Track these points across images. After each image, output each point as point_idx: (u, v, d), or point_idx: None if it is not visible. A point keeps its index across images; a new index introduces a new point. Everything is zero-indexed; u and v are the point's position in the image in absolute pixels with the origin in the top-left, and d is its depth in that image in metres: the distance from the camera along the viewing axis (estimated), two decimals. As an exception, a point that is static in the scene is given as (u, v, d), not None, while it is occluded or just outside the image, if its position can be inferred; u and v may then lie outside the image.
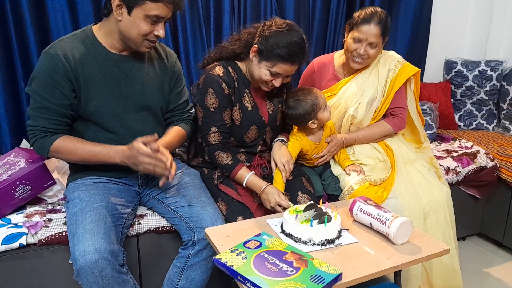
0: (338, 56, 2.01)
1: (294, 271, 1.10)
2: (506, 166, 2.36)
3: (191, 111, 1.79)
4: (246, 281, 1.08)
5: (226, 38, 2.08)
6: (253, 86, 1.73)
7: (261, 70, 1.60)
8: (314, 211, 1.33)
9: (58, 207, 1.68)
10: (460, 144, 2.58)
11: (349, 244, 1.30)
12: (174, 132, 1.64)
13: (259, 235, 1.29)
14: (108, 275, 1.30)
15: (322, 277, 1.07)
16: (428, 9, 2.94)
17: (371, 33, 1.76)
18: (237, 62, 1.71)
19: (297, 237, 1.30)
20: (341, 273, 1.11)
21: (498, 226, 2.43)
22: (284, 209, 1.53)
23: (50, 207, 1.68)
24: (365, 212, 1.39)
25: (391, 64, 1.90)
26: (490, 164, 2.37)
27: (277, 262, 1.14)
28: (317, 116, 1.74)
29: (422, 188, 1.84)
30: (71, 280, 1.35)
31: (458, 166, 2.30)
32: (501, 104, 2.97)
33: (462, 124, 3.02)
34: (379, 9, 1.80)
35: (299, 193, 1.71)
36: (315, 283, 1.05)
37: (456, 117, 3.02)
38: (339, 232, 1.34)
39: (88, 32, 1.51)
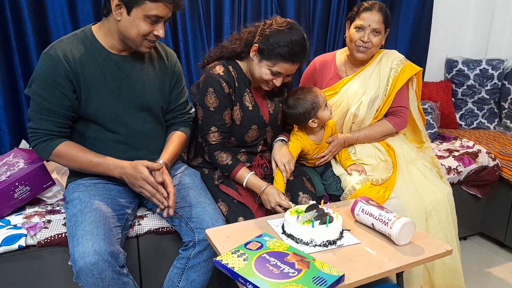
0: (340, 54, 2.01)
1: (296, 272, 1.09)
2: (508, 166, 2.35)
3: (190, 112, 1.78)
4: (248, 283, 1.06)
5: (227, 37, 2.08)
6: (253, 85, 1.72)
7: (262, 70, 1.59)
8: (316, 212, 1.32)
9: (58, 208, 1.67)
10: (461, 144, 2.56)
11: (351, 245, 1.29)
12: (177, 140, 1.65)
13: (260, 236, 1.28)
14: (108, 277, 1.29)
15: (324, 279, 1.06)
16: (429, 8, 2.92)
17: (373, 19, 1.79)
18: (238, 61, 1.70)
19: (298, 238, 1.29)
20: (343, 275, 1.10)
21: (500, 226, 2.42)
22: (285, 209, 1.52)
23: (49, 208, 1.67)
24: (367, 212, 1.38)
25: (393, 63, 1.89)
26: (491, 163, 2.36)
27: (279, 263, 1.13)
28: (317, 115, 1.72)
29: (423, 188, 1.83)
30: (70, 282, 1.34)
31: (460, 165, 2.29)
32: (502, 103, 2.96)
33: (463, 123, 3.01)
34: (378, 1, 1.85)
35: (300, 193, 1.70)
36: (317, 285, 1.04)
37: (457, 116, 3.01)
38: (341, 233, 1.33)
39: (88, 32, 1.50)
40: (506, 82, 2.91)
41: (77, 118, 1.50)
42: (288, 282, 1.05)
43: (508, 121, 2.89)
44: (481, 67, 2.94)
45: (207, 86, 1.61)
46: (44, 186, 1.66)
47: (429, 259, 1.26)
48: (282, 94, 1.81)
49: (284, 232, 1.35)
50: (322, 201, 1.43)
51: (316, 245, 1.27)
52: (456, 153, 2.40)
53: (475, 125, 2.99)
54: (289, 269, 1.10)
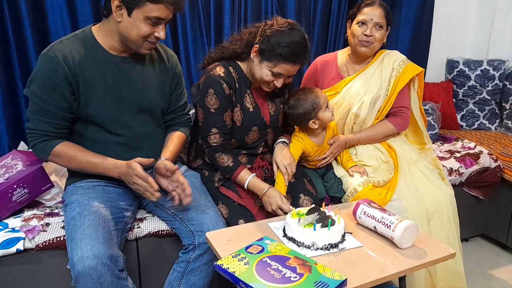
0: (341, 54, 2.01)
1: (298, 277, 1.07)
2: (510, 167, 2.34)
3: (190, 113, 1.77)
4: (249, 288, 1.05)
5: (227, 38, 2.06)
6: (254, 86, 1.70)
7: (263, 70, 1.57)
8: (317, 215, 1.30)
9: (56, 211, 1.65)
10: (463, 145, 2.55)
11: (353, 249, 1.28)
12: (177, 139, 1.64)
13: (261, 239, 1.26)
14: (107, 281, 1.27)
15: (327, 283, 1.05)
16: (430, 8, 2.91)
17: (375, 13, 1.81)
18: (238, 62, 1.68)
19: (300, 242, 1.27)
20: (346, 280, 1.08)
21: (502, 227, 2.41)
22: (286, 212, 1.51)
23: (48, 210, 1.65)
24: (369, 215, 1.37)
25: (395, 63, 1.89)
26: (493, 164, 2.35)
27: (280, 267, 1.11)
28: (318, 115, 1.71)
29: (425, 190, 1.81)
30: (69, 286, 1.32)
31: (461, 167, 2.28)
32: (503, 104, 2.95)
33: (464, 124, 2.99)
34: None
35: (301, 195, 1.68)
36: (319, 290, 1.03)
37: (458, 117, 3.00)
38: (343, 236, 1.31)
39: (88, 33, 1.48)
40: (507, 83, 2.90)
41: (76, 119, 1.49)
42: (290, 287, 1.03)
43: (510, 122, 2.88)
44: (482, 68, 2.92)
45: (208, 87, 1.60)
46: (43, 188, 1.64)
47: (432, 263, 1.25)
48: (283, 95, 1.80)
49: (285, 235, 1.33)
50: (324, 203, 1.42)
51: (317, 248, 1.25)
52: (458, 155, 2.38)
53: (476, 126, 2.98)
54: (290, 273, 1.09)
